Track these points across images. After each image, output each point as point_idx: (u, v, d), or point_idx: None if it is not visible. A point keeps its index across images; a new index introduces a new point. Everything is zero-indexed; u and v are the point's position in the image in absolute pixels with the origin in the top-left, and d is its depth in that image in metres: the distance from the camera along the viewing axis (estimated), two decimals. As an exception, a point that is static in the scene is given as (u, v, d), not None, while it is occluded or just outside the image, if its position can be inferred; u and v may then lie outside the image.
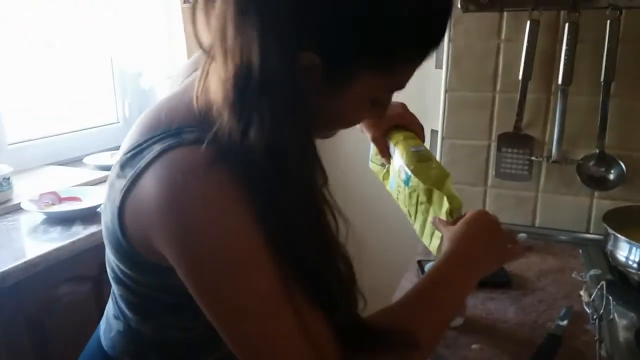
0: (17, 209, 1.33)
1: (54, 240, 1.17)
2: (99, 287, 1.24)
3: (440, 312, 0.68)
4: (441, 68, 1.60)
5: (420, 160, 0.89)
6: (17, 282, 1.05)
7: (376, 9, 0.54)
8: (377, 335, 0.61)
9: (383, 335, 0.61)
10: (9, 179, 1.37)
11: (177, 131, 0.58)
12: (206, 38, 0.57)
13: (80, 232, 1.22)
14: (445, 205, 0.84)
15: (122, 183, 0.59)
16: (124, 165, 0.60)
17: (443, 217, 0.85)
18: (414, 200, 0.90)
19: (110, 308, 0.75)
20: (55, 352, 1.15)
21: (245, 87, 0.53)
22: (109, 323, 0.74)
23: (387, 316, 0.65)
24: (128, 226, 0.59)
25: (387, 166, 0.99)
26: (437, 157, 1.47)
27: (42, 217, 1.29)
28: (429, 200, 0.87)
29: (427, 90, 1.92)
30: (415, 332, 0.62)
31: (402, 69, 0.61)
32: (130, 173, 0.58)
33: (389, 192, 1.00)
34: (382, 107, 0.67)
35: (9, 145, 1.61)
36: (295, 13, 0.53)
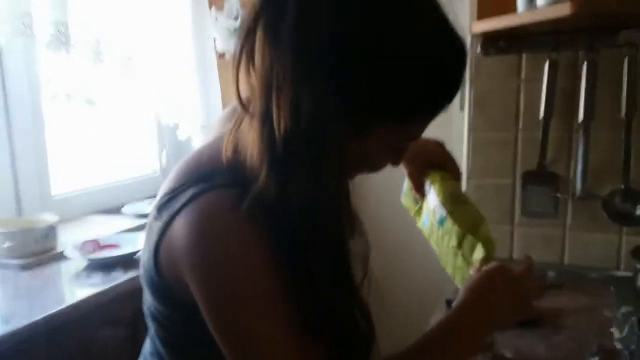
0: (61, 257, 1.41)
1: (96, 285, 1.23)
2: (134, 331, 1.28)
3: None
4: (464, 109, 1.64)
5: (457, 202, 0.89)
6: (58, 325, 1.10)
7: (397, 69, 0.59)
8: None
9: None
10: (54, 228, 1.45)
11: (208, 176, 0.64)
12: (244, 92, 0.63)
13: (119, 277, 1.28)
14: (479, 250, 0.85)
15: (159, 225, 0.65)
16: (160, 208, 0.66)
17: (474, 262, 0.85)
18: (445, 242, 0.91)
19: (147, 347, 0.79)
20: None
21: (285, 144, 0.58)
22: None
23: None
24: (162, 264, 0.65)
25: (420, 203, 1.00)
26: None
27: (85, 263, 1.36)
28: (460, 244, 0.87)
29: (452, 132, 1.96)
30: None
31: (418, 121, 0.66)
32: (166, 216, 0.64)
33: (420, 229, 1.01)
34: (400, 154, 0.72)
35: (53, 195, 1.71)
36: (334, 72, 0.58)
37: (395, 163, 0.74)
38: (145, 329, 0.78)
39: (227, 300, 0.61)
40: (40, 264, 1.37)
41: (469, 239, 0.86)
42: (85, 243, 1.42)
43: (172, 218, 0.63)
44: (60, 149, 1.78)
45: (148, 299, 0.71)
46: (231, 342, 0.62)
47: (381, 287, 0.78)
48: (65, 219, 1.66)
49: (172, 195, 0.65)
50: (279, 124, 0.58)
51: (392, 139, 0.66)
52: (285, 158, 0.58)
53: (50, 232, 1.43)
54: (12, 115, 1.55)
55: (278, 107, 0.58)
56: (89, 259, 1.36)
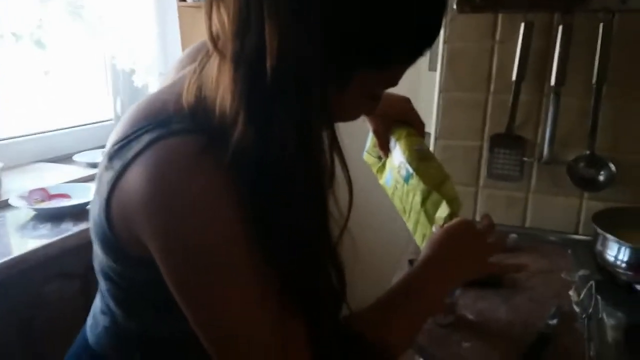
0: (6, 205, 1.32)
1: (43, 237, 1.16)
2: (87, 285, 1.23)
3: (410, 318, 0.69)
4: (434, 70, 1.61)
5: (423, 159, 0.89)
6: (5, 278, 1.04)
7: (378, 10, 0.54)
8: (350, 342, 0.61)
9: (354, 342, 0.62)
10: (-2, 174, 1.36)
11: (166, 122, 0.57)
12: (215, 27, 0.56)
13: (69, 229, 1.21)
14: (444, 208, 0.84)
15: (110, 175, 0.58)
16: (112, 157, 0.59)
17: (437, 220, 0.85)
18: (410, 199, 0.90)
19: (97, 303, 0.74)
20: (44, 348, 1.14)
21: (265, 87, 0.52)
22: (96, 319, 0.73)
23: (359, 320, 0.65)
24: (115, 218, 0.58)
25: (383, 160, 0.99)
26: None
27: (32, 213, 1.28)
28: (424, 201, 0.87)
29: (419, 92, 1.93)
30: (384, 337, 0.63)
31: (397, 65, 0.62)
32: (118, 165, 0.57)
33: (382, 186, 0.99)
34: (375, 102, 0.68)
35: (-1, 141, 1.60)
36: (319, 7, 0.52)
37: (370, 112, 0.72)
38: (97, 283, 0.73)
39: (190, 258, 0.54)
40: (-18, 212, 1.29)
41: (433, 196, 0.85)
42: (32, 192, 1.34)
43: (125, 167, 0.56)
44: (7, 92, 1.65)
45: (99, 255, 0.65)
46: (195, 307, 0.56)
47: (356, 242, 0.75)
48: (10, 166, 1.56)
49: (125, 142, 0.58)
50: (257, 66, 0.51)
51: (371, 85, 0.63)
52: (267, 104, 0.52)
53: (-7, 178, 1.34)
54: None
55: (256, 46, 0.51)
56: (36, 209, 1.28)
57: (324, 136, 0.57)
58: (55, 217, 1.27)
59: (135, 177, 0.55)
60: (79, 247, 1.19)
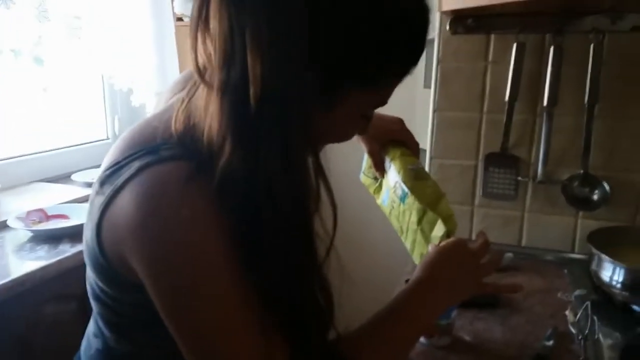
0: (4, 226, 1.32)
1: (41, 259, 1.16)
2: (84, 306, 1.21)
3: (398, 342, 0.70)
4: (429, 88, 1.62)
5: (417, 178, 0.90)
6: (2, 300, 1.04)
7: (361, 35, 0.56)
8: None
9: None
10: (-4, 195, 1.36)
11: (156, 148, 0.58)
12: (201, 59, 0.57)
13: (67, 250, 1.21)
14: (440, 227, 0.85)
15: (100, 200, 0.59)
16: (103, 182, 0.60)
17: (433, 240, 0.85)
18: (406, 218, 0.91)
19: (90, 326, 0.74)
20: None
21: (251, 115, 0.53)
22: (89, 341, 0.74)
23: (346, 343, 0.66)
24: (105, 243, 0.59)
25: (379, 180, 1.00)
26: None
27: (29, 235, 1.28)
28: (420, 220, 0.88)
29: (415, 110, 1.95)
30: None
31: (386, 85, 0.64)
32: (108, 190, 0.58)
33: (379, 206, 1.00)
34: (367, 122, 0.70)
35: (-4, 161, 1.61)
36: (302, 33, 0.53)
37: (362, 132, 0.73)
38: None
39: (178, 283, 0.55)
40: (-21, 234, 1.29)
41: (429, 215, 0.86)
42: (30, 213, 1.34)
43: (115, 193, 0.57)
44: (5, 109, 1.66)
45: (91, 278, 0.66)
46: (183, 332, 0.58)
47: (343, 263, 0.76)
48: (8, 186, 1.56)
49: (116, 168, 0.60)
50: (242, 94, 0.53)
51: (361, 105, 0.64)
52: (252, 130, 0.54)
53: (-9, 200, 1.34)
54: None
55: (241, 75, 0.53)
56: (33, 230, 1.28)
57: (309, 161, 0.58)
58: (52, 238, 1.27)
59: (125, 203, 0.56)
60: (76, 269, 1.18)
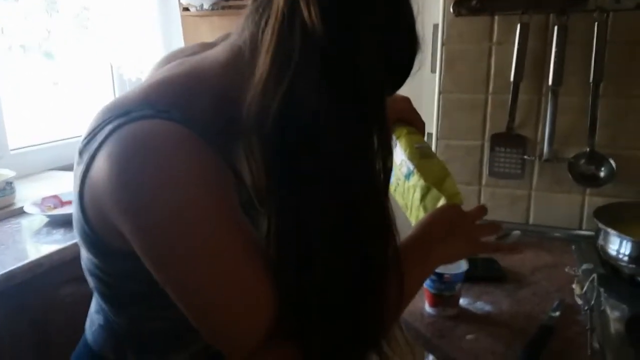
0: (20, 212, 1.36)
1: (57, 242, 1.19)
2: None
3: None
4: (433, 72, 1.63)
5: (423, 157, 0.91)
6: (21, 281, 1.07)
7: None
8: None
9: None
10: (12, 183, 1.39)
11: (126, 112, 0.57)
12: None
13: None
14: (443, 203, 0.86)
15: (80, 169, 0.59)
16: (81, 152, 0.60)
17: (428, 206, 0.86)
18: (410, 195, 0.92)
19: (93, 303, 0.75)
20: (56, 350, 1.17)
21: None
22: (92, 318, 0.74)
23: None
24: (89, 211, 0.59)
25: None
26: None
27: (45, 219, 1.32)
28: (423, 197, 0.89)
29: (422, 94, 1.96)
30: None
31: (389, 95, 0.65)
32: (86, 157, 0.58)
33: None
34: None
35: (11, 150, 1.64)
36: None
37: None
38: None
39: (162, 231, 0.53)
40: (-3, 220, 1.32)
41: (433, 192, 0.87)
42: (45, 199, 1.37)
43: (91, 159, 0.56)
44: (18, 103, 1.70)
45: (83, 254, 0.66)
46: (174, 282, 0.56)
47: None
48: (23, 175, 1.59)
49: (91, 136, 0.59)
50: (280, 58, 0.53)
51: None
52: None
53: (7, 187, 1.37)
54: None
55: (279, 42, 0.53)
56: (49, 216, 1.31)
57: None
58: (68, 222, 1.30)
59: (100, 164, 0.55)
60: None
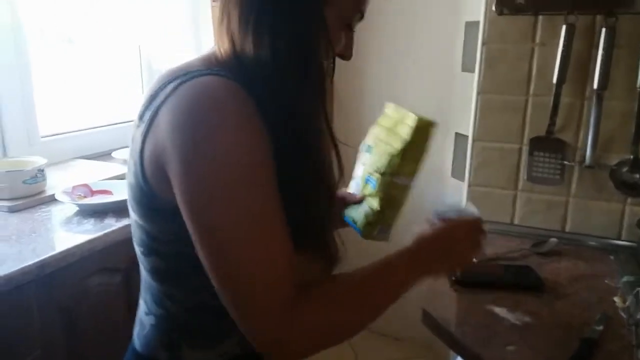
0: (51, 200, 1.35)
1: (88, 232, 1.19)
2: (128, 279, 1.26)
3: (375, 297, 0.69)
4: (468, 71, 1.59)
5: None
6: (53, 270, 1.06)
7: None
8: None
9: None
10: (43, 170, 1.39)
11: (185, 73, 0.62)
12: None
13: (112, 224, 1.23)
14: (411, 118, 0.81)
15: (141, 129, 0.63)
16: (141, 115, 0.65)
17: (402, 135, 0.81)
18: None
19: (141, 308, 0.76)
20: (84, 337, 1.17)
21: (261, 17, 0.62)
22: (142, 323, 0.76)
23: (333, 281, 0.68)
24: (147, 167, 0.62)
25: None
26: (467, 159, 1.47)
27: (75, 208, 1.31)
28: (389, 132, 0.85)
29: (453, 93, 1.93)
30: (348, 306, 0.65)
31: None
32: (148, 116, 0.62)
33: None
34: (351, 35, 0.72)
35: (42, 137, 1.64)
36: None
37: (348, 50, 0.73)
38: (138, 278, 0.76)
39: (208, 174, 0.57)
40: (29, 207, 1.32)
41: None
42: (75, 187, 1.37)
43: (154, 116, 0.61)
44: (48, 90, 1.70)
45: (137, 223, 0.68)
46: (206, 233, 0.58)
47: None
48: (52, 162, 1.59)
49: (152, 98, 0.63)
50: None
51: (345, 9, 0.68)
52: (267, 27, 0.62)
53: (39, 174, 1.37)
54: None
55: None
56: (80, 205, 1.31)
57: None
58: (98, 212, 1.30)
59: (163, 116, 0.60)
60: (122, 242, 1.21)
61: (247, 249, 0.58)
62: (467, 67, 1.82)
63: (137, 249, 0.72)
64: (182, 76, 0.61)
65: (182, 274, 0.68)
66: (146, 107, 0.64)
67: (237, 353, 0.72)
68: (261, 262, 0.58)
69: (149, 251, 0.69)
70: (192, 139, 0.57)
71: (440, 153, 2.01)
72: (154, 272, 0.71)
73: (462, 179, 1.79)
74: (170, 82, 0.62)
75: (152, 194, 0.63)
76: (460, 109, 1.81)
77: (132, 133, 0.66)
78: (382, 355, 2.31)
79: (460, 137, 1.87)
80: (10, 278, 0.96)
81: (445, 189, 2.05)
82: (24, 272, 0.99)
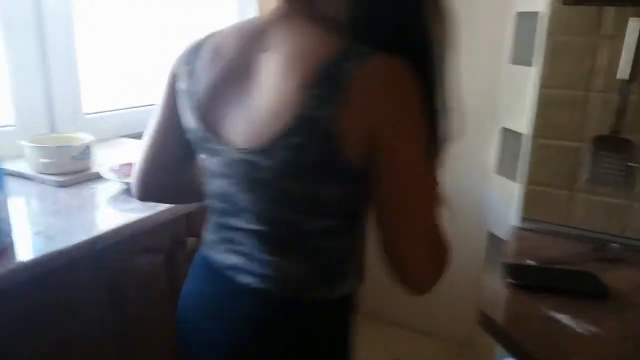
0: (96, 177, 1.34)
1: (135, 211, 1.17)
2: (171, 258, 1.25)
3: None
4: (519, 64, 1.52)
5: None
6: (101, 248, 1.05)
7: None
8: None
9: None
10: (89, 147, 1.38)
11: (345, 52, 0.65)
12: None
13: (158, 204, 1.22)
14: None
15: (328, 110, 0.64)
16: (317, 96, 0.64)
17: None
18: None
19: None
20: (131, 314, 1.16)
21: None
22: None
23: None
24: (349, 134, 0.65)
25: None
26: (523, 157, 1.41)
27: (123, 187, 1.30)
28: None
29: (500, 85, 1.85)
30: None
31: None
32: (334, 94, 0.64)
33: None
34: None
35: (86, 114, 1.63)
36: None
37: None
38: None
39: (418, 147, 0.67)
40: (76, 182, 1.32)
41: None
42: (122, 166, 1.35)
43: (347, 89, 0.63)
44: (91, 69, 1.69)
45: (284, 209, 0.72)
46: (408, 196, 0.67)
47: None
48: (95, 140, 1.59)
49: (320, 84, 0.64)
50: None
51: None
52: None
53: (86, 151, 1.36)
54: (47, 33, 1.47)
55: None
56: (127, 183, 1.30)
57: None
58: (143, 192, 1.28)
59: (362, 95, 0.63)
60: (167, 223, 1.20)
61: (433, 213, 0.69)
62: (519, 60, 1.74)
63: (295, 217, 0.73)
64: (348, 57, 0.64)
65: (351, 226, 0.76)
66: (316, 96, 0.64)
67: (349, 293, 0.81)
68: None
69: (314, 215, 0.73)
70: (410, 117, 0.66)
71: (484, 148, 1.95)
72: (322, 231, 0.74)
73: (509, 176, 1.73)
74: (338, 60, 0.64)
75: (345, 162, 0.67)
76: (509, 102, 1.74)
77: (305, 115, 0.65)
78: (421, 353, 2.27)
79: (508, 133, 1.80)
80: (62, 253, 0.96)
81: (490, 186, 1.99)
82: (77, 248, 0.98)
